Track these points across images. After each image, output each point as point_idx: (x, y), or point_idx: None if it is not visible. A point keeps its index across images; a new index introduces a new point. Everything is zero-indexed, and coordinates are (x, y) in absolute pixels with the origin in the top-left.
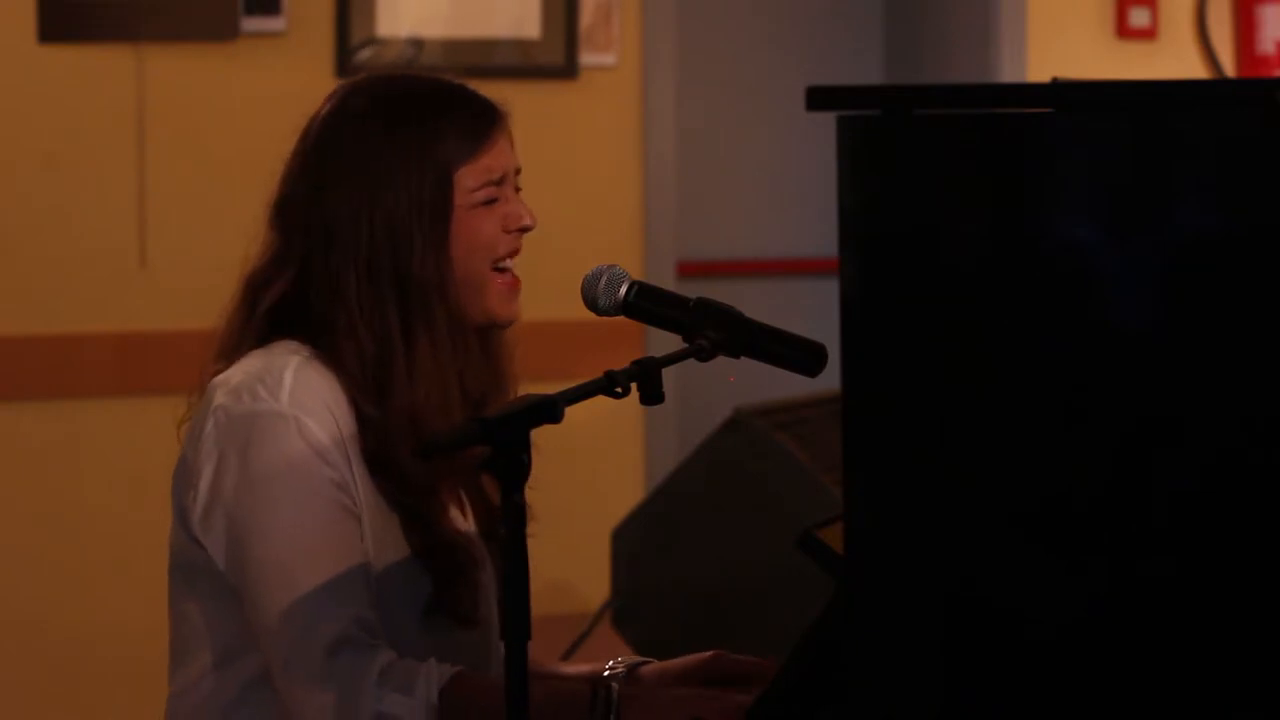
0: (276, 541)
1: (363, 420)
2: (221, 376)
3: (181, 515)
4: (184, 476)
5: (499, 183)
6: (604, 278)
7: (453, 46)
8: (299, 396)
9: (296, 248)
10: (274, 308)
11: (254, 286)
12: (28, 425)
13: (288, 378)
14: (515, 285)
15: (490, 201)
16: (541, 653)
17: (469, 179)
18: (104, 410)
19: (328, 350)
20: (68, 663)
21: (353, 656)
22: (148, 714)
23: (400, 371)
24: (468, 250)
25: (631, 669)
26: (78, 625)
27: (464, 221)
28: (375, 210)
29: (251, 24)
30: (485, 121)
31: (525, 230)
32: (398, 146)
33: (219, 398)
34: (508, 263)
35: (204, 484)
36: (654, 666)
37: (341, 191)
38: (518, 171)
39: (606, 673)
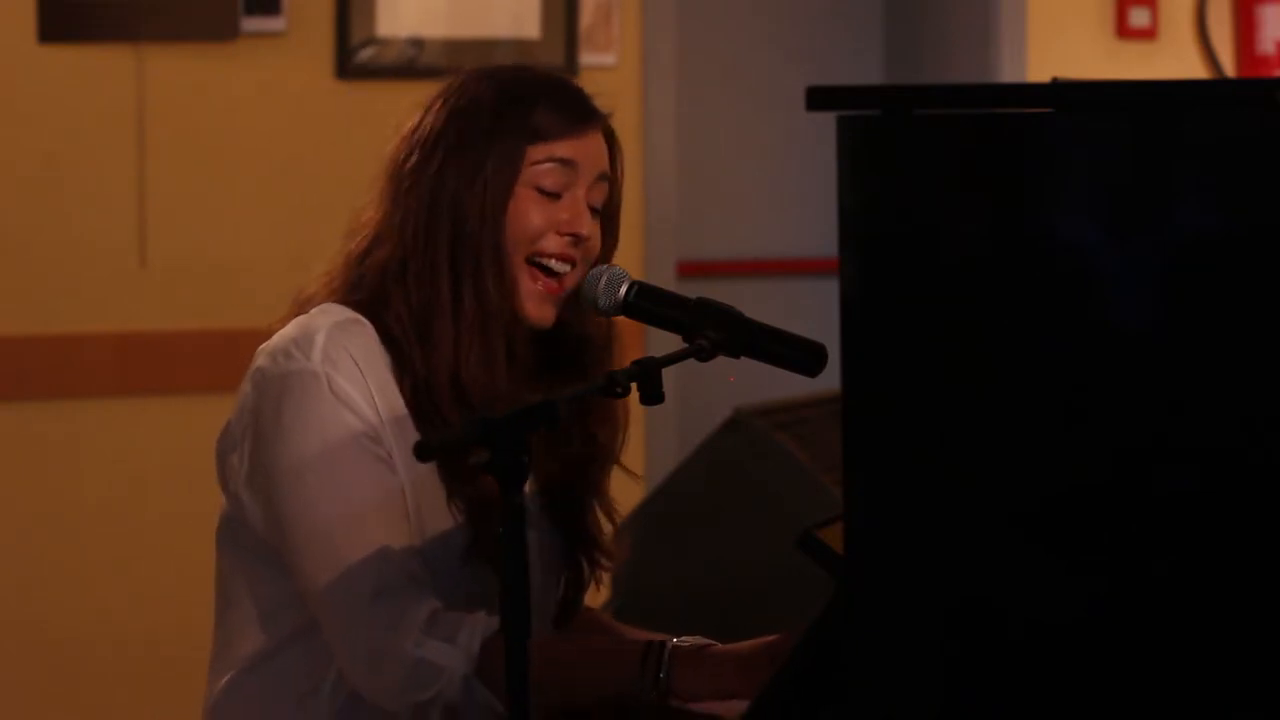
0: (316, 495)
1: (407, 371)
2: (264, 344)
3: (224, 473)
4: (227, 440)
5: (568, 165)
6: (604, 278)
7: (453, 46)
8: (329, 354)
9: (386, 197)
10: (364, 246)
11: (349, 235)
12: (28, 425)
13: (320, 338)
14: (551, 290)
15: (552, 195)
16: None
17: (538, 153)
18: (104, 410)
19: (379, 304)
20: (68, 663)
21: (396, 603)
22: (148, 713)
23: (445, 324)
24: (515, 236)
25: (700, 649)
26: (78, 625)
27: (521, 199)
28: (447, 164)
29: (251, 24)
30: (580, 113)
31: (577, 237)
32: (479, 112)
33: (258, 361)
34: (553, 264)
35: (246, 445)
36: (720, 648)
37: (427, 146)
38: (602, 177)
39: (673, 643)
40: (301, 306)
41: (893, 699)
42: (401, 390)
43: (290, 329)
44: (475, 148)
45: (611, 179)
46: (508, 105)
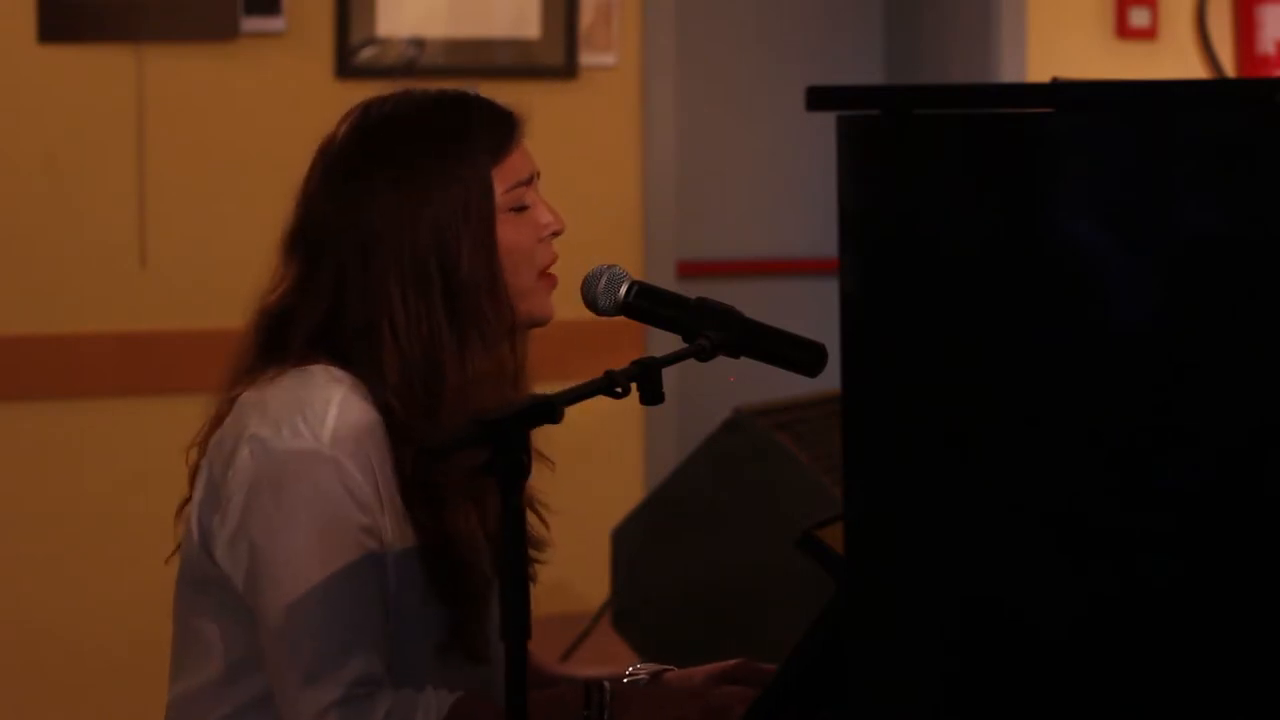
0: (294, 587)
1: (405, 439)
2: (255, 396)
3: (203, 534)
4: (211, 496)
5: (526, 183)
6: (604, 278)
7: (453, 46)
8: (340, 434)
9: (327, 269)
10: (309, 336)
11: (277, 317)
12: (28, 425)
13: (331, 414)
14: (554, 283)
15: (521, 209)
16: (541, 653)
17: (499, 182)
18: (104, 410)
19: (367, 369)
20: (67, 663)
21: (358, 708)
22: (148, 714)
23: (453, 375)
24: (511, 263)
25: (655, 676)
26: (78, 625)
27: (500, 228)
28: (418, 218)
29: (251, 24)
30: (507, 125)
31: (556, 235)
32: (432, 155)
33: (255, 425)
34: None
35: (233, 513)
36: (676, 673)
37: (378, 204)
38: (537, 175)
39: (627, 678)
40: (241, 384)
41: (892, 699)
42: (399, 459)
43: (293, 392)
44: (443, 189)
45: (538, 168)
46: (447, 145)
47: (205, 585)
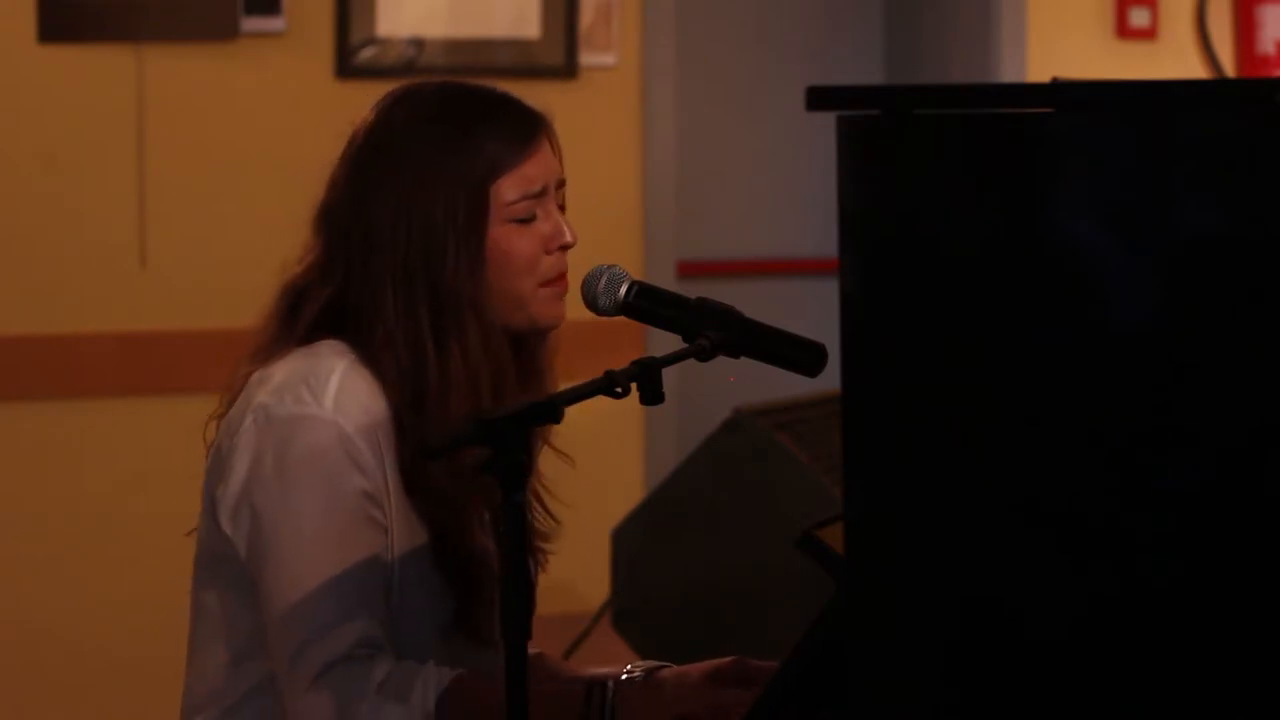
0: (296, 550)
1: (401, 431)
2: (263, 373)
3: (212, 506)
4: (217, 468)
5: (539, 195)
6: (604, 278)
7: (453, 46)
8: (343, 402)
9: (339, 256)
10: (318, 315)
11: (296, 292)
12: (28, 425)
13: (333, 382)
14: (563, 290)
15: (528, 220)
16: (547, 652)
17: (508, 191)
18: (104, 410)
19: (369, 356)
20: (67, 663)
21: (349, 672)
22: (149, 714)
23: (433, 382)
24: (511, 271)
25: (650, 673)
26: (78, 625)
27: (502, 238)
28: (412, 219)
29: (251, 24)
30: (526, 130)
31: (565, 248)
32: (437, 156)
33: (260, 395)
34: (557, 279)
35: (236, 479)
36: (672, 670)
37: (381, 199)
38: (561, 183)
39: (624, 676)
40: (260, 360)
41: (892, 699)
42: (399, 450)
43: (298, 364)
44: (441, 195)
45: (563, 175)
46: (454, 147)
47: (216, 562)
